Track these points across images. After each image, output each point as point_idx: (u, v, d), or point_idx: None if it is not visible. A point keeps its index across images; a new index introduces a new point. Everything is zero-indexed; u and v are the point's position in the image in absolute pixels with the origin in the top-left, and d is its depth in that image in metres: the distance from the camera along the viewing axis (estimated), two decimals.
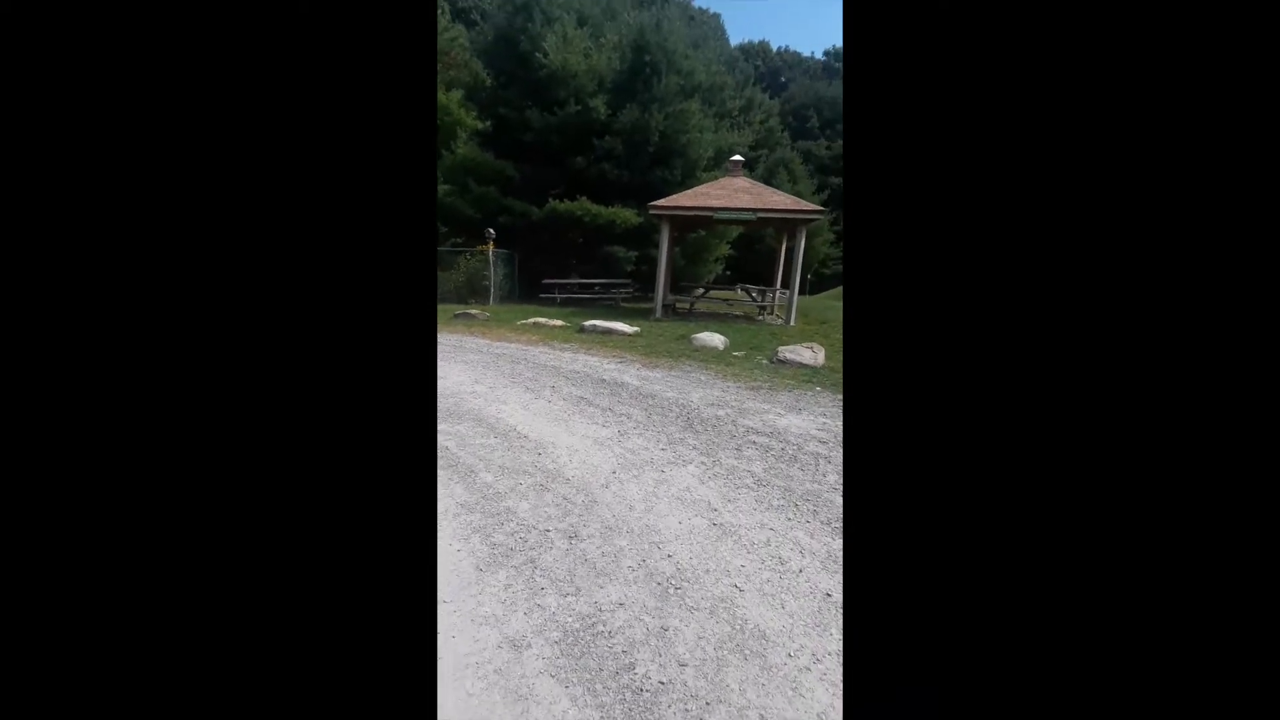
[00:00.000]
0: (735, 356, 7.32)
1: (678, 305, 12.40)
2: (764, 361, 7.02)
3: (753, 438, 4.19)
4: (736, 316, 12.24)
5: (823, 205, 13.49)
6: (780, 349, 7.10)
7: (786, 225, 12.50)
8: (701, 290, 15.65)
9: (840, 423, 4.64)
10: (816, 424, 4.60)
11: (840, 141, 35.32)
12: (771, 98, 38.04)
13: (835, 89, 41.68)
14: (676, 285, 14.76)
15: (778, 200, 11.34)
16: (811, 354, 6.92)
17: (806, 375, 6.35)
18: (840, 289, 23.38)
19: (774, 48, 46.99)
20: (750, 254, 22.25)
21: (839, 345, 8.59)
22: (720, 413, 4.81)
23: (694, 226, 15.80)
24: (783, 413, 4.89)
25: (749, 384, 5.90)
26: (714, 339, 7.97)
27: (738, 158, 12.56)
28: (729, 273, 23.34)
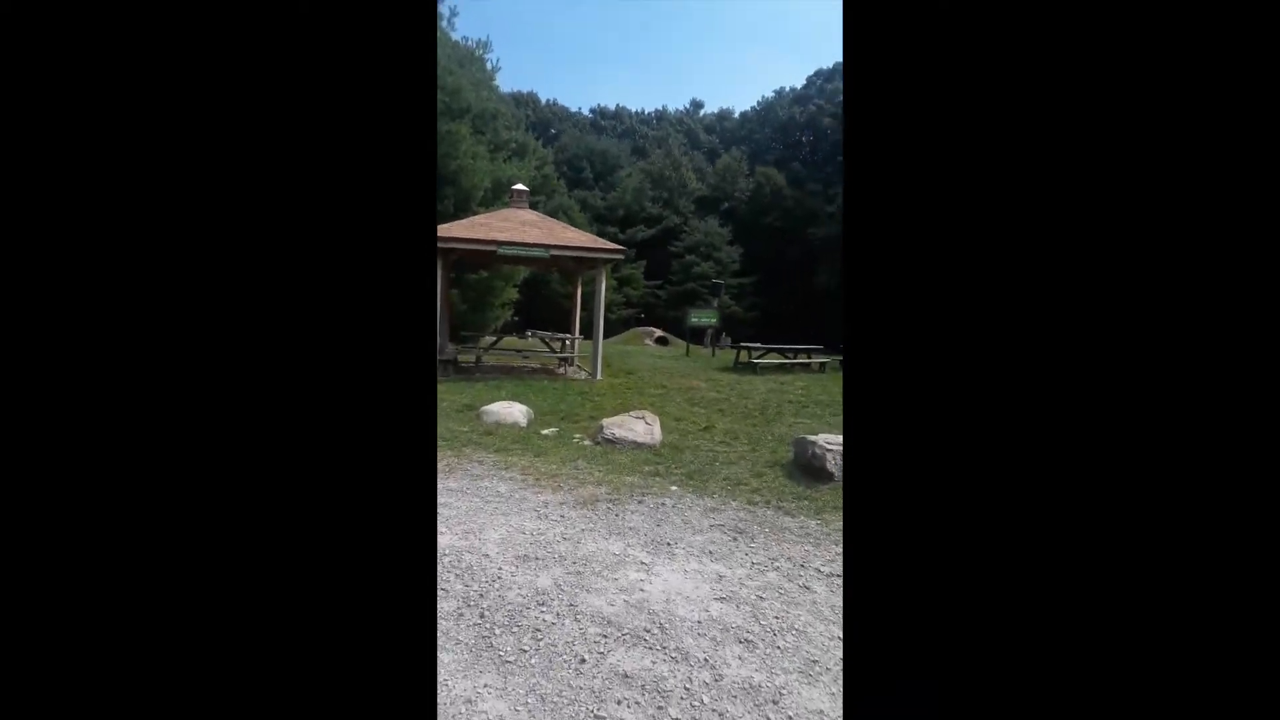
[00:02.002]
0: (545, 438, 5.11)
1: (460, 359, 9.78)
2: (586, 443, 4.94)
3: (621, 670, 2.01)
4: (533, 371, 10.04)
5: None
6: (604, 423, 5.09)
7: (583, 265, 10.81)
8: (491, 339, 13.14)
9: (760, 575, 2.72)
10: (712, 585, 2.60)
11: (614, 193, 36.02)
12: (545, 146, 37.45)
13: (605, 143, 42.94)
14: (458, 334, 12.06)
15: (573, 236, 9.58)
16: (645, 427, 5.04)
17: (649, 463, 4.42)
18: (630, 333, 22.68)
19: (542, 100, 46.97)
20: (539, 299, 20.36)
21: (663, 405, 6.92)
22: (541, 581, 2.54)
23: (475, 265, 13.33)
24: (645, 559, 2.81)
25: (574, 491, 3.74)
26: (513, 411, 5.65)
27: (521, 187, 10.55)
28: (517, 318, 21.11)
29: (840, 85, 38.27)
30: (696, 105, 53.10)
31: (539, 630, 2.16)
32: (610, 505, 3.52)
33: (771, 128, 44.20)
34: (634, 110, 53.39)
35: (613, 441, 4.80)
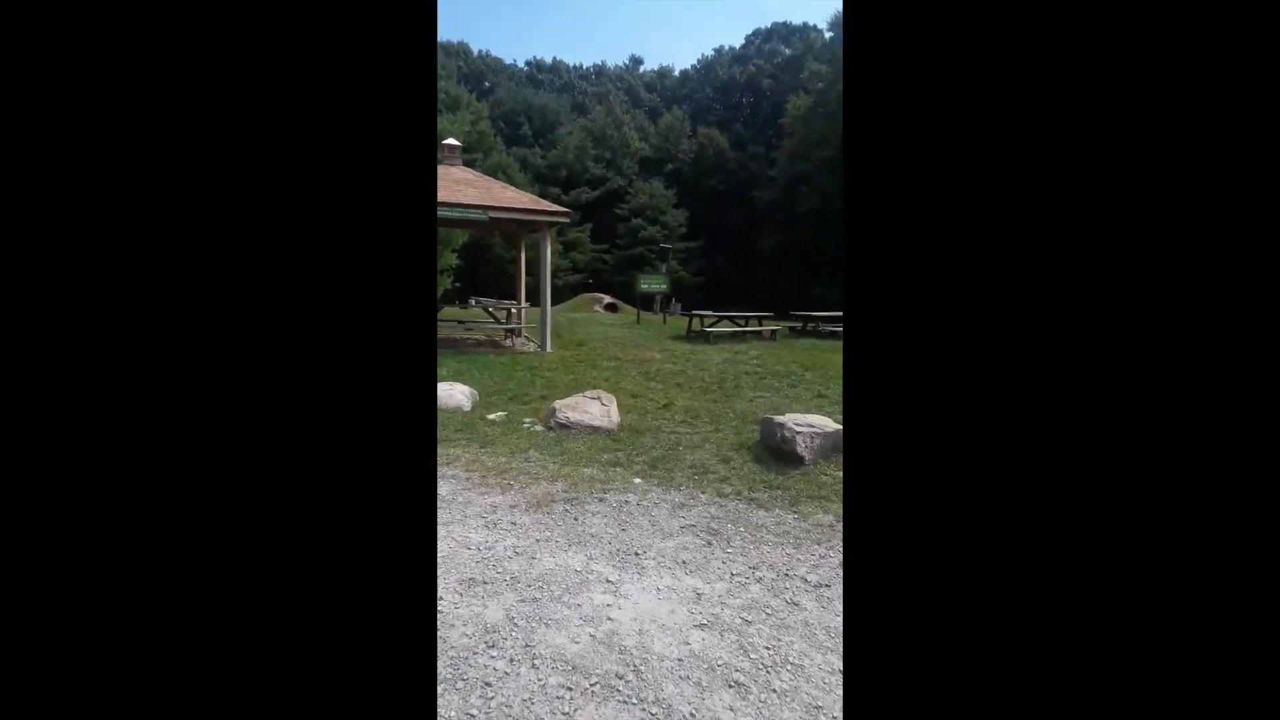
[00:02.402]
0: (492, 424, 4.63)
1: None
2: (537, 429, 4.50)
3: None
4: (478, 343, 9.39)
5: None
6: (557, 406, 4.65)
7: (525, 228, 10.09)
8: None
9: (729, 585, 2.40)
10: (690, 606, 2.27)
11: (555, 151, 34.46)
12: (479, 100, 35.20)
13: (544, 98, 40.82)
14: None
15: (513, 197, 8.85)
16: (601, 408, 4.64)
17: (608, 450, 4.04)
18: (578, 299, 22.01)
19: (474, 50, 43.95)
20: (482, 265, 19.29)
21: (619, 381, 6.53)
22: (490, 613, 2.14)
23: None
24: (612, 576, 2.45)
25: (527, 490, 3.32)
26: (455, 394, 5.12)
27: (453, 142, 9.63)
28: (458, 285, 20.02)
29: (778, 46, 37.68)
30: (636, 61, 51.26)
31: (489, 684, 1.77)
32: (568, 506, 3.13)
33: (712, 88, 43.29)
34: (572, 64, 51.02)
35: (567, 426, 4.38)
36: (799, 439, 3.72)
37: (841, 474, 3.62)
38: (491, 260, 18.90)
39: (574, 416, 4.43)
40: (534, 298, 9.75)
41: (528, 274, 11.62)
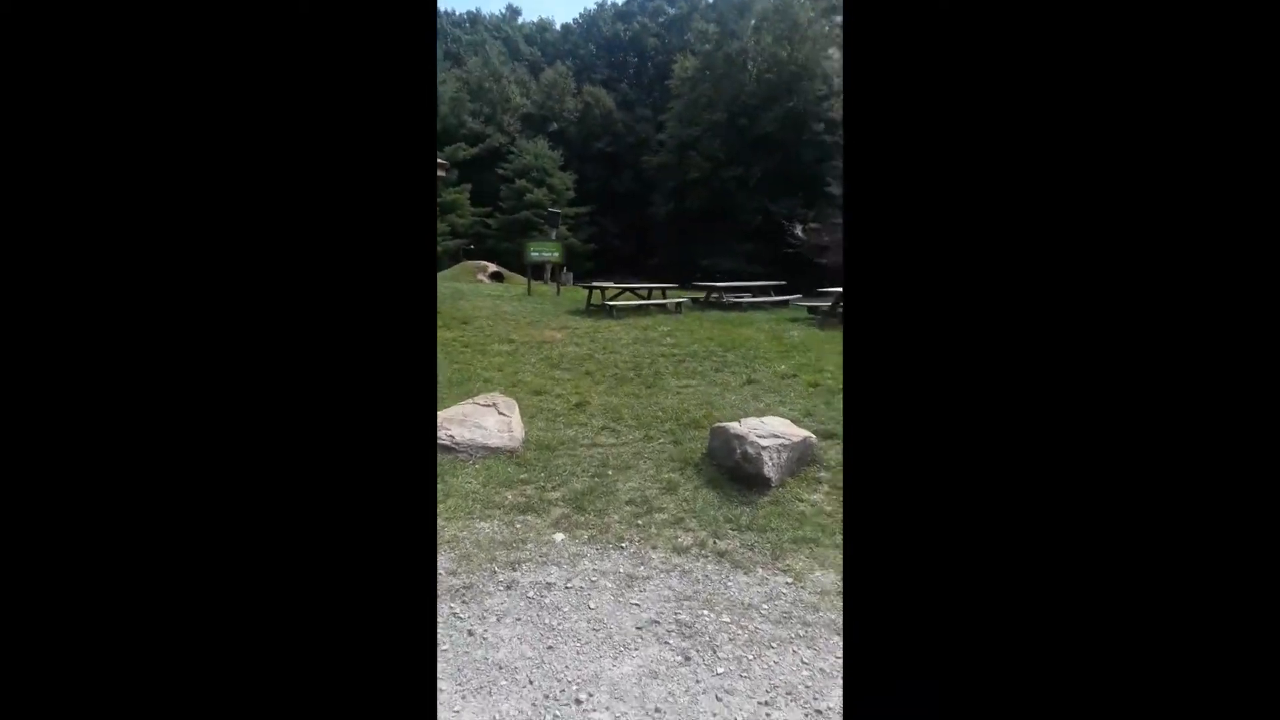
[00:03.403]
0: None
1: None
2: None
3: None
4: None
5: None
6: (441, 419, 3.39)
7: None
8: None
9: None
10: None
11: None
12: None
13: None
14: None
15: None
16: (500, 420, 3.47)
17: (513, 483, 2.91)
18: (459, 268, 19.83)
19: None
20: None
21: (517, 372, 5.33)
22: None
23: None
24: None
25: None
26: None
27: None
28: None
29: (661, 4, 36.34)
30: (514, 11, 47.26)
31: None
32: (458, 604, 2.00)
33: (596, 44, 41.09)
34: (444, 9, 45.88)
35: (454, 449, 3.17)
36: (765, 456, 2.86)
37: (814, 496, 2.83)
38: None
39: (463, 435, 3.23)
40: None
41: None
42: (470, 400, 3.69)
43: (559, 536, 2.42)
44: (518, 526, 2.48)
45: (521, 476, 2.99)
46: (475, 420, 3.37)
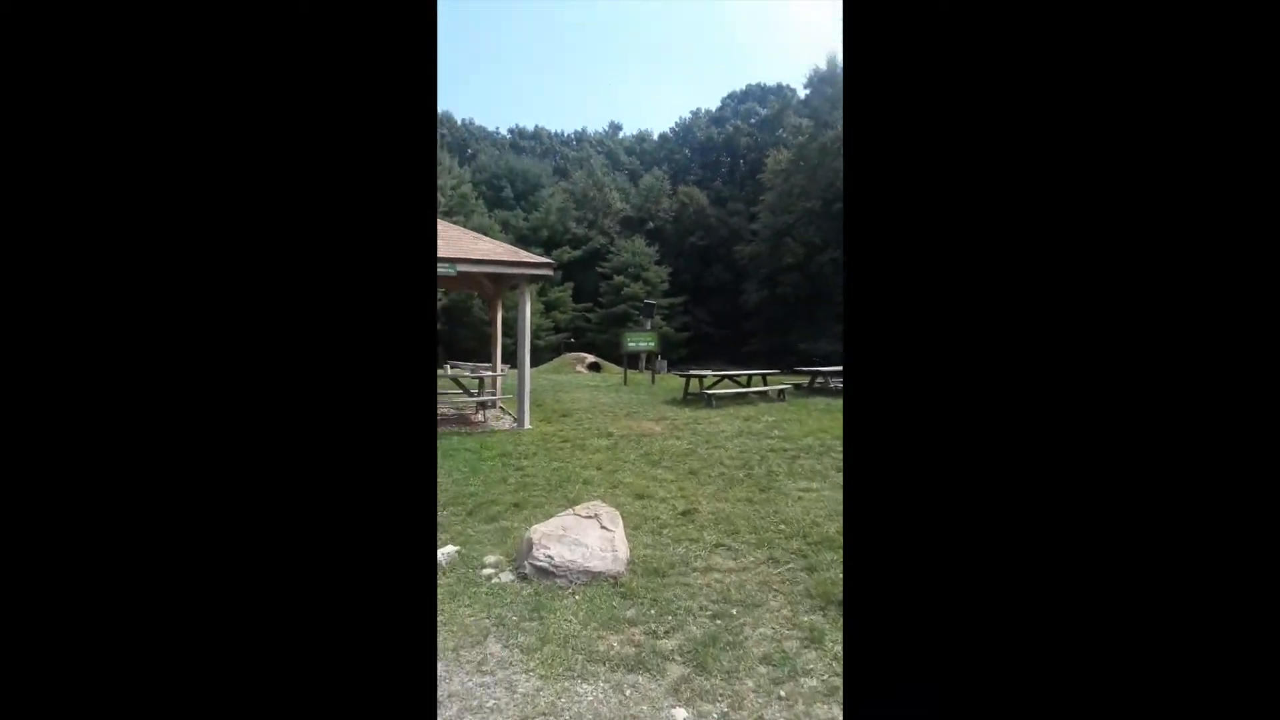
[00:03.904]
0: (443, 586, 2.97)
1: None
2: (505, 577, 2.86)
3: None
4: (444, 420, 7.77)
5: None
6: (534, 535, 3.02)
7: (502, 283, 8.71)
8: None
9: None
10: None
11: (537, 213, 33.87)
12: (461, 166, 34.81)
13: (526, 163, 40.69)
14: None
15: (487, 249, 7.49)
16: (601, 535, 3.03)
17: (617, 624, 2.42)
18: (560, 360, 20.53)
19: (458, 119, 44.18)
20: (460, 327, 17.81)
21: (616, 471, 4.95)
22: None
23: None
24: None
25: None
26: None
27: None
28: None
29: (753, 106, 38.34)
30: (615, 127, 52.22)
31: None
32: None
33: (690, 148, 43.85)
34: (554, 131, 51.67)
35: (550, 572, 2.77)
36: None
37: None
38: (469, 324, 17.45)
39: (564, 555, 2.83)
40: (513, 360, 8.22)
41: (505, 335, 10.14)
42: (571, 511, 3.32)
43: (679, 714, 1.86)
44: (627, 693, 1.96)
45: (628, 614, 2.49)
46: (576, 536, 2.97)
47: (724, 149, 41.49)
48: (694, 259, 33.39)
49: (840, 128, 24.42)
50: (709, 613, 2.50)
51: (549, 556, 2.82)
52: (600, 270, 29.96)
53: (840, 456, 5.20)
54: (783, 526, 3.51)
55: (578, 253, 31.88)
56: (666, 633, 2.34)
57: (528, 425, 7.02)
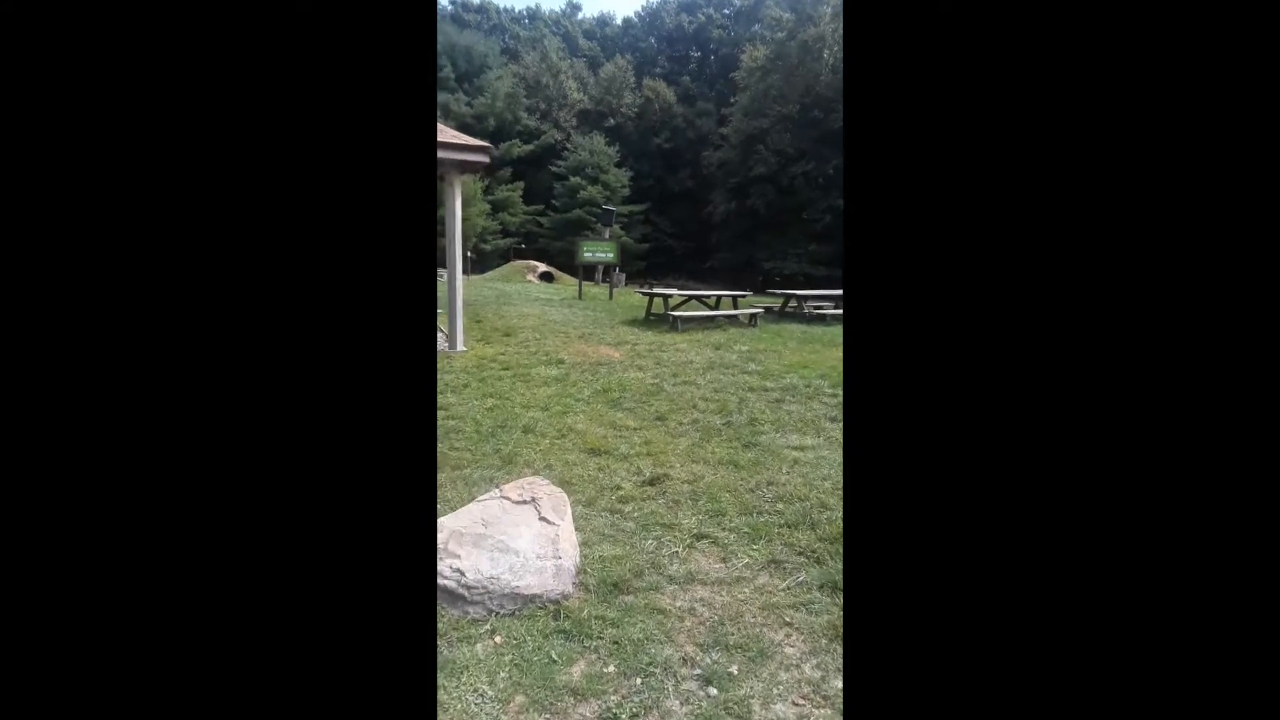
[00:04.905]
0: None
1: None
2: None
3: None
4: None
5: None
6: (448, 534, 2.08)
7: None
8: None
9: None
10: None
11: (483, 98, 30.23)
12: None
13: (470, 38, 35.89)
14: None
15: None
16: (541, 530, 2.12)
17: (550, 694, 1.55)
18: (509, 267, 18.95)
19: None
20: None
21: (566, 416, 4.03)
22: None
23: None
24: None
25: None
26: None
27: None
28: None
29: None
30: (574, 6, 46.60)
31: None
32: None
33: (657, 37, 39.80)
34: (502, 6, 45.66)
35: (459, 596, 1.86)
36: None
37: None
38: None
39: (478, 566, 1.91)
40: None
41: (443, 236, 8.71)
42: (498, 491, 2.38)
43: None
44: None
45: (573, 674, 1.64)
46: (503, 534, 2.06)
47: (694, 41, 37.82)
48: (658, 162, 31.16)
49: (823, 25, 22.23)
50: (696, 671, 1.68)
51: (459, 571, 1.90)
52: (554, 169, 27.49)
53: (832, 403, 4.45)
54: (780, 506, 2.71)
55: (529, 147, 29.06)
56: (641, 711, 1.51)
57: (460, 347, 5.93)
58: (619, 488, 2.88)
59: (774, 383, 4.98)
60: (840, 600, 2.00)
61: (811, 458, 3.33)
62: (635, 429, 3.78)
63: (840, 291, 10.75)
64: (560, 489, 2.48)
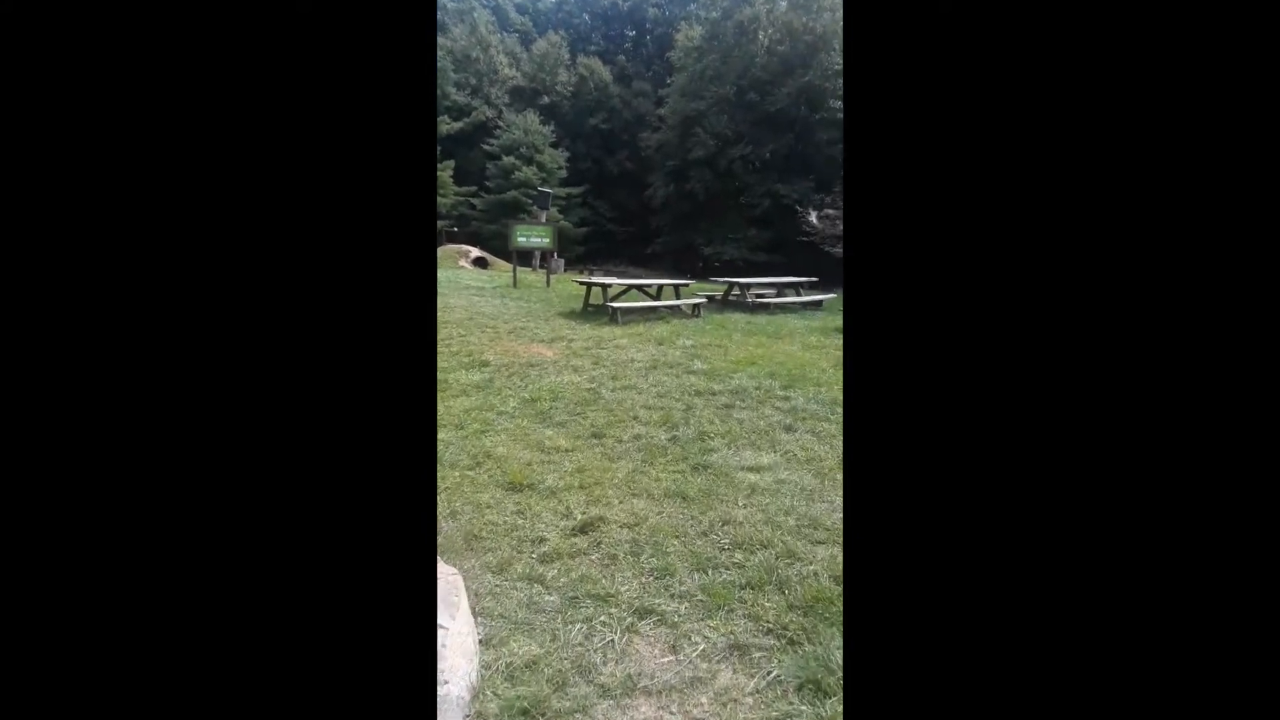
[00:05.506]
0: None
1: None
2: None
3: None
4: None
5: None
6: None
7: None
8: None
9: None
10: None
11: None
12: None
13: None
14: None
15: None
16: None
17: None
18: (441, 252, 17.66)
19: None
20: None
21: (488, 431, 3.39)
22: None
23: None
24: None
25: None
26: None
27: None
28: None
29: None
30: None
31: None
32: None
33: (591, 14, 38.34)
34: None
35: None
36: None
37: None
38: None
39: None
40: None
41: None
42: None
43: None
44: None
45: None
46: None
47: (629, 19, 36.69)
48: (595, 143, 30.12)
49: (757, 6, 21.83)
50: None
51: None
52: (487, 148, 25.96)
53: (784, 408, 4.01)
54: (739, 557, 2.21)
55: (459, 124, 27.33)
56: None
57: None
58: (542, 539, 2.29)
59: (721, 384, 4.51)
60: (825, 706, 1.51)
61: (770, 482, 2.86)
62: (567, 450, 3.19)
63: (783, 279, 10.48)
64: (455, 567, 1.87)
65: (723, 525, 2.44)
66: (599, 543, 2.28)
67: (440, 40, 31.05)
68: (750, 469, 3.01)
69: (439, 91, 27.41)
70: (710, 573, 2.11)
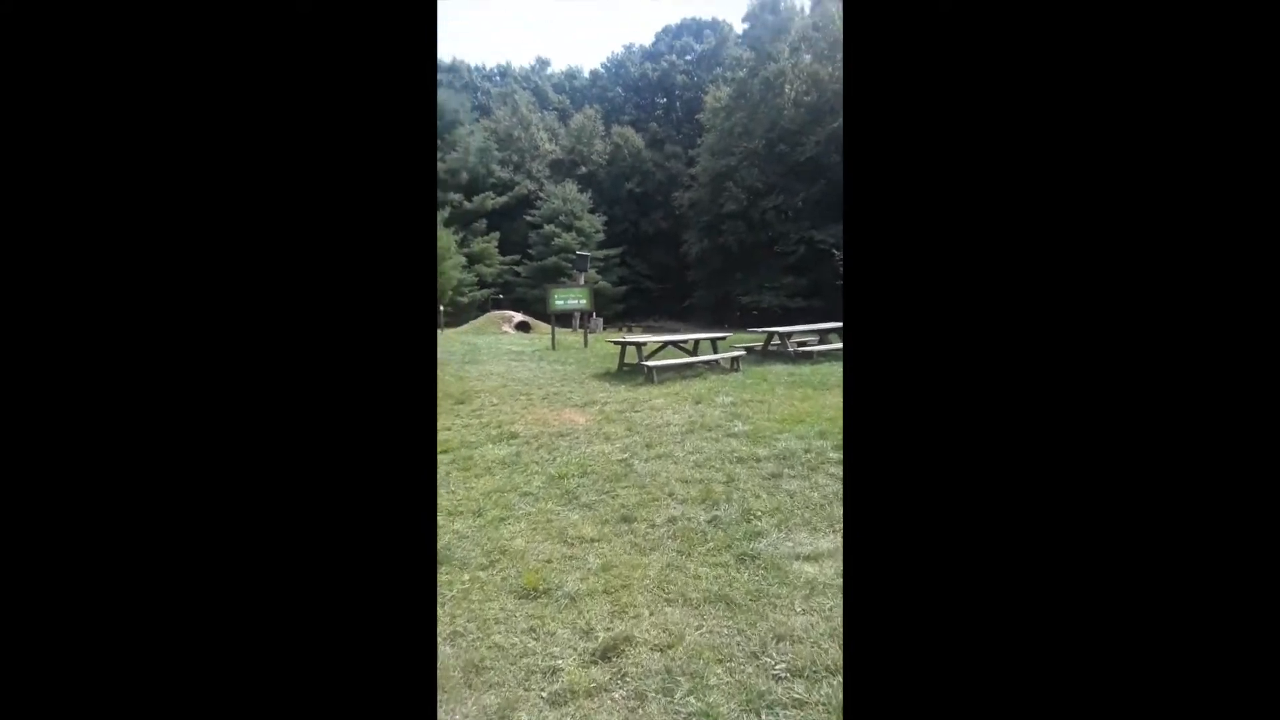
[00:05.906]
0: None
1: None
2: None
3: None
4: None
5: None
6: None
7: None
8: None
9: None
10: None
11: (455, 154, 30.01)
12: None
13: (441, 95, 36.04)
14: None
15: None
16: None
17: None
18: (485, 319, 18.06)
19: None
20: None
21: (504, 525, 3.02)
22: None
23: None
24: None
25: None
26: None
27: None
28: None
29: (689, 42, 35.44)
30: (543, 63, 47.35)
31: None
32: None
33: (624, 87, 40.37)
34: (473, 65, 46.28)
35: None
36: None
37: None
38: None
39: None
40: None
41: None
42: None
43: None
44: None
45: None
46: None
47: (659, 88, 38.36)
48: (630, 206, 30.92)
49: (783, 61, 22.31)
50: None
51: None
52: (529, 219, 27.03)
53: (839, 474, 3.50)
54: (800, 691, 1.72)
55: (503, 199, 28.65)
56: None
57: None
58: (555, 670, 1.88)
59: (766, 448, 4.05)
60: None
61: (831, 575, 2.36)
62: (592, 541, 2.79)
63: (824, 325, 9.94)
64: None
65: (777, 642, 1.96)
66: (624, 673, 1.85)
67: (484, 122, 33.20)
68: (806, 558, 2.52)
69: (486, 169, 28.98)
70: (764, 716, 1.64)
